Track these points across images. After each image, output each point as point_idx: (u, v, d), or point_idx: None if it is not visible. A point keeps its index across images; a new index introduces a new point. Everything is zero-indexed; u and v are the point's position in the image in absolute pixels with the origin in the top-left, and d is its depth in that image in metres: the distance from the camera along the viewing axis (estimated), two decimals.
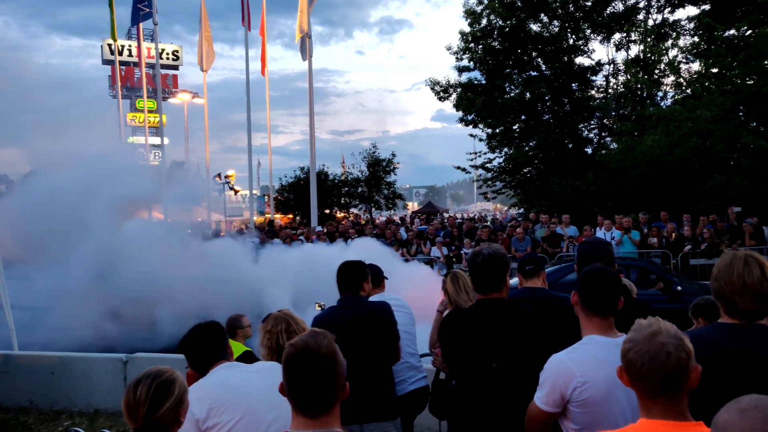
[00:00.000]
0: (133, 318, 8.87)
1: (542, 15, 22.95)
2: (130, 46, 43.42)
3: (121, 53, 40.99)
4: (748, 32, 14.59)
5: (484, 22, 23.49)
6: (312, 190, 16.65)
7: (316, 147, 16.83)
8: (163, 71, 41.18)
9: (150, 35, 29.40)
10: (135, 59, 42.09)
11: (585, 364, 2.34)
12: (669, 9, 22.28)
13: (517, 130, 24.10)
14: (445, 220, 18.33)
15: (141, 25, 20.54)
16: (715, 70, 13.24)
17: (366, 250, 10.01)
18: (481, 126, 24.80)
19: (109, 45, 39.35)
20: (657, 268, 9.32)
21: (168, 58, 46.07)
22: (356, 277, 3.83)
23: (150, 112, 35.16)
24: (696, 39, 18.71)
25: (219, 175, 31.43)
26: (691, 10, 21.33)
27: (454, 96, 25.07)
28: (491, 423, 2.70)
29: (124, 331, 8.47)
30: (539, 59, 23.70)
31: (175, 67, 48.14)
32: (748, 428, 1.28)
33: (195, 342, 2.80)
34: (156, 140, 38.59)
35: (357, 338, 3.55)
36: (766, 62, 11.81)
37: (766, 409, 1.30)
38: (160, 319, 8.80)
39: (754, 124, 13.12)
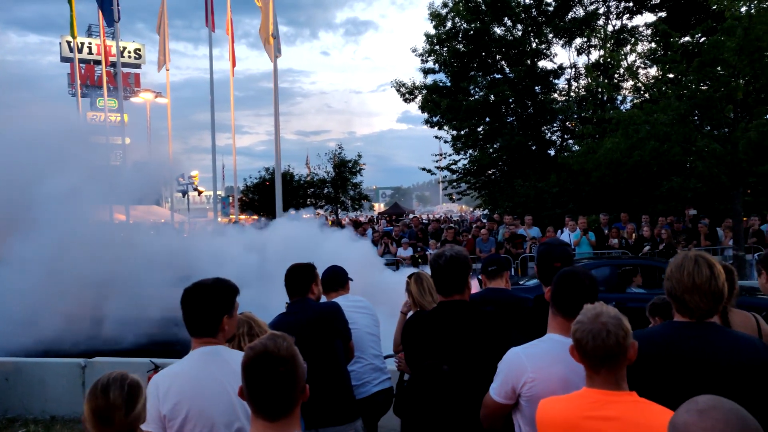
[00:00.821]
0: (84, 319, 8.46)
1: (506, 19, 23.26)
2: (90, 43, 42.33)
3: (80, 51, 39.93)
4: (702, 39, 15.06)
5: (449, 24, 23.70)
6: (277, 191, 16.49)
7: (281, 147, 16.67)
8: (125, 70, 40.28)
9: (111, 33, 28.70)
10: (95, 57, 41.04)
11: (539, 361, 2.38)
12: (627, 15, 22.91)
13: (482, 132, 24.36)
14: (410, 221, 18.41)
15: (103, 21, 20.04)
16: (671, 76, 13.57)
17: (287, 229, 9.87)
18: (446, 128, 25.01)
19: (68, 42, 38.32)
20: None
21: (130, 57, 45.02)
22: (303, 280, 3.73)
23: (111, 111, 34.35)
24: (653, 45, 19.23)
25: (182, 176, 30.89)
26: (649, 17, 22.06)
27: (419, 98, 25.22)
28: (446, 424, 2.71)
29: (75, 332, 8.10)
30: (503, 62, 24.01)
31: (138, 66, 47.10)
32: (708, 429, 1.33)
33: (189, 301, 2.54)
34: (117, 140, 37.64)
35: (307, 343, 3.49)
36: (718, 68, 12.19)
37: (725, 410, 1.35)
38: (110, 318, 8.44)
39: (708, 128, 13.51)
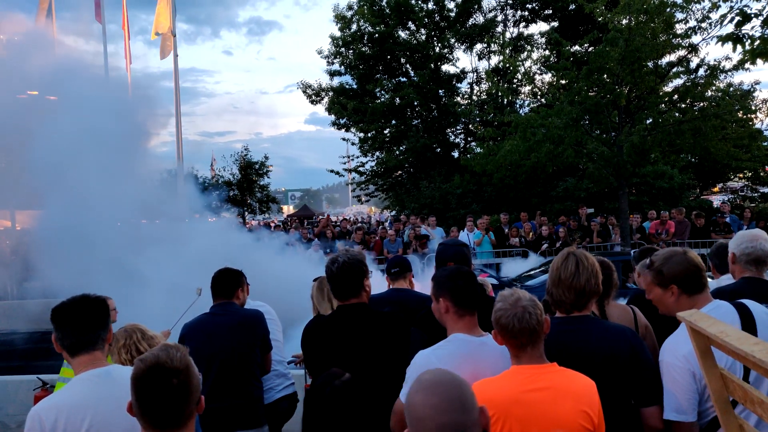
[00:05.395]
0: None
1: (410, 23, 23.72)
2: None
3: None
4: (590, 48, 16.08)
5: (354, 27, 23.84)
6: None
7: (184, 149, 16.13)
8: None
9: None
10: None
11: (450, 362, 2.37)
12: (523, 24, 24.05)
13: (388, 134, 24.70)
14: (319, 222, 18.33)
15: None
16: (563, 82, 14.39)
17: None
18: (353, 130, 25.15)
19: None
20: None
21: None
22: (231, 284, 3.79)
23: None
24: (547, 52, 20.32)
25: None
26: (543, 26, 23.18)
27: (326, 100, 25.20)
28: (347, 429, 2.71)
29: None
30: (408, 66, 24.46)
31: None
32: (436, 404, 1.45)
33: (70, 315, 2.31)
34: None
35: (229, 346, 3.55)
36: (604, 76, 13.07)
37: (446, 383, 1.49)
38: None
39: (597, 132, 14.44)
